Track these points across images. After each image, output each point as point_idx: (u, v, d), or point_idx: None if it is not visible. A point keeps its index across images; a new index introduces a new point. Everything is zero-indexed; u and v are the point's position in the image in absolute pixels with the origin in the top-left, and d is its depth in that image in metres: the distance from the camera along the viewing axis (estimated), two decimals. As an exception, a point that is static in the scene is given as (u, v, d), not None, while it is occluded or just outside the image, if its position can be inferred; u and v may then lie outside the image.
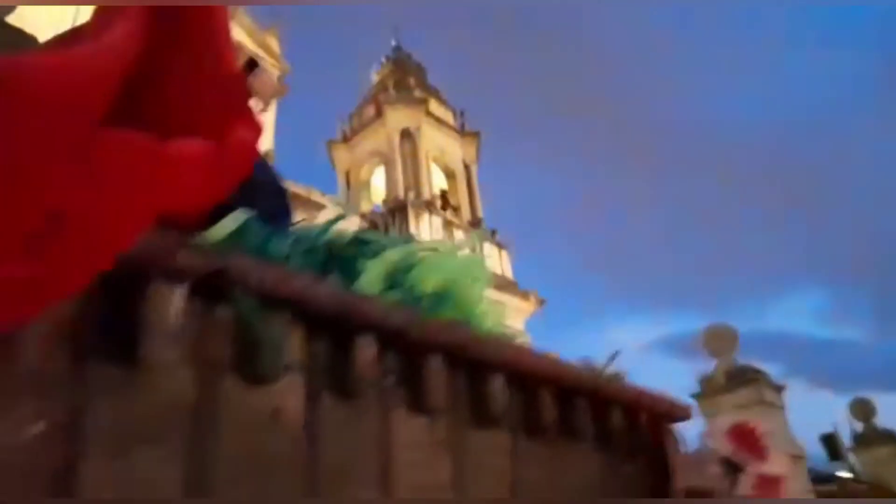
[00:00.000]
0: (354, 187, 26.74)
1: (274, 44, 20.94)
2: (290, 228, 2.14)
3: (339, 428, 1.65)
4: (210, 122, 1.57)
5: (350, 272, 1.82)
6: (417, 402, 1.86)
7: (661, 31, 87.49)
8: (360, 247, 1.98)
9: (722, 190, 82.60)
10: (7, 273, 1.00)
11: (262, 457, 1.45)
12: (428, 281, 1.97)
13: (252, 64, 2.54)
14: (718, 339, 9.64)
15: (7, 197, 0.97)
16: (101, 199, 1.09)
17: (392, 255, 1.96)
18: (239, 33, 19.65)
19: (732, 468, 2.39)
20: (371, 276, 1.85)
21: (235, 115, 1.72)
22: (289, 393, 1.56)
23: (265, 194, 2.54)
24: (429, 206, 23.08)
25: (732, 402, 8.33)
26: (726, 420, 2.45)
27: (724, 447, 2.36)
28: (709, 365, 8.85)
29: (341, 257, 1.87)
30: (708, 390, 8.92)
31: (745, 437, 2.48)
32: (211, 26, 1.80)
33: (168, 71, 1.69)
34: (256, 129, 1.87)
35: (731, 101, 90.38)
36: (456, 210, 25.21)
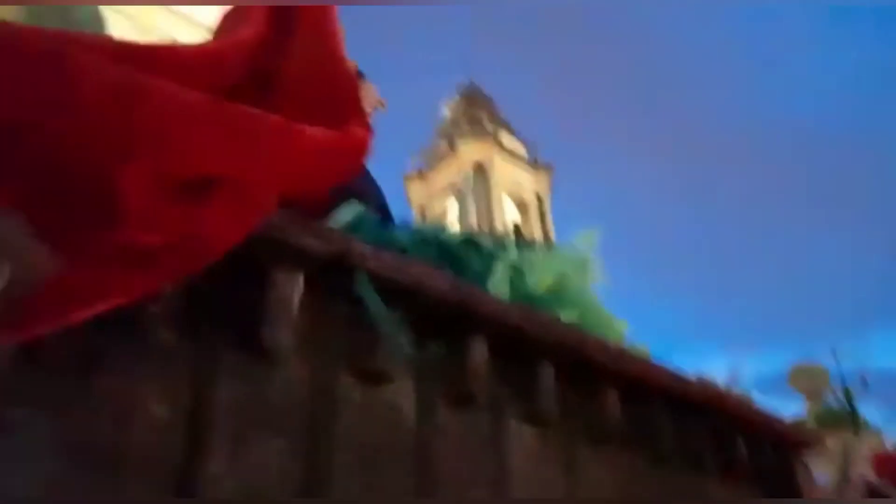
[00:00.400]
0: (428, 221, 27.08)
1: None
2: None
3: (452, 431, 1.56)
4: (329, 115, 1.61)
5: (462, 271, 1.76)
6: (530, 413, 1.75)
7: (734, 39, 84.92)
8: (471, 248, 1.92)
9: (813, 215, 78.27)
10: (150, 239, 1.01)
11: (377, 452, 1.38)
12: (543, 280, 1.88)
13: (358, 73, 2.56)
14: (808, 378, 8.91)
15: (157, 162, 1.00)
16: (241, 164, 1.11)
17: (511, 256, 1.90)
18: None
19: (875, 494, 2.16)
20: (497, 276, 1.79)
21: (350, 111, 1.76)
22: (403, 391, 1.49)
23: (370, 206, 2.57)
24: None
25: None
26: (866, 449, 2.19)
27: (869, 474, 2.12)
28: (798, 405, 8.21)
29: (453, 256, 1.83)
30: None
31: (888, 465, 2.23)
32: (325, 28, 1.88)
33: (290, 68, 1.78)
34: (369, 129, 1.90)
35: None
36: (529, 242, 24.99)
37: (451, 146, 26.82)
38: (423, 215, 27.55)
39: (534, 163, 28.01)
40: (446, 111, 30.67)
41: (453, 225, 25.93)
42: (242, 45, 1.59)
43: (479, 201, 24.71)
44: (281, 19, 1.80)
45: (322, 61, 1.78)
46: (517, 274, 1.84)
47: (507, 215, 25.38)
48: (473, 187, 25.03)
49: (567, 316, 1.88)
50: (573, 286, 1.96)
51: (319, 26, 1.83)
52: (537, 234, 25.49)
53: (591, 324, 1.96)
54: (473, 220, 23.93)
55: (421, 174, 28.08)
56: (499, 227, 23.60)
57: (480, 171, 25.59)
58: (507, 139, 27.93)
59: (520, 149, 28.42)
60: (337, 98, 1.74)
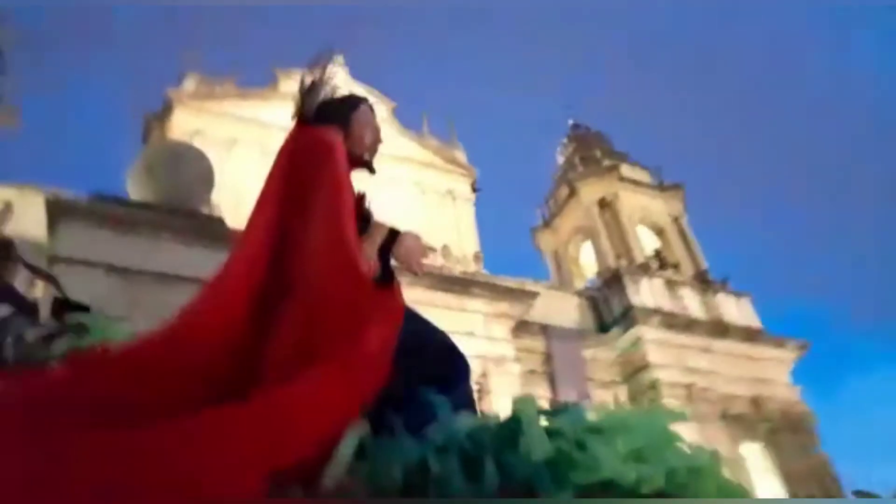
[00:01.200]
0: (564, 268, 26.74)
1: (460, 155, 22.71)
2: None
3: None
4: (338, 332, 1.72)
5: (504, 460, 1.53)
6: None
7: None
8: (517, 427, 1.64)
9: None
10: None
11: None
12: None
13: (393, 233, 2.48)
14: None
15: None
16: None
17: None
18: (427, 154, 21.74)
19: None
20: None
21: (362, 319, 1.80)
22: None
23: (431, 359, 2.53)
24: (644, 269, 22.04)
25: None
26: None
27: None
28: None
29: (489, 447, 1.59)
30: None
31: None
32: (337, 229, 1.97)
33: (307, 270, 1.92)
34: (390, 324, 1.93)
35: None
36: (676, 267, 23.66)
37: (572, 190, 26.61)
38: (559, 263, 27.30)
39: (661, 185, 26.90)
40: (559, 157, 30.67)
41: (591, 266, 25.31)
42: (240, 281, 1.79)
43: (612, 237, 24.04)
44: (294, 209, 1.96)
45: (336, 265, 1.87)
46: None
47: (646, 244, 24.35)
48: (603, 224, 24.45)
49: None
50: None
51: (332, 221, 1.93)
52: (681, 255, 24.13)
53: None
54: (610, 257, 23.24)
55: (547, 223, 28.03)
56: (638, 258, 22.70)
57: (607, 207, 25.03)
58: (628, 169, 27.19)
59: (643, 176, 27.50)
60: (348, 306, 1.80)
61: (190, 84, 19.91)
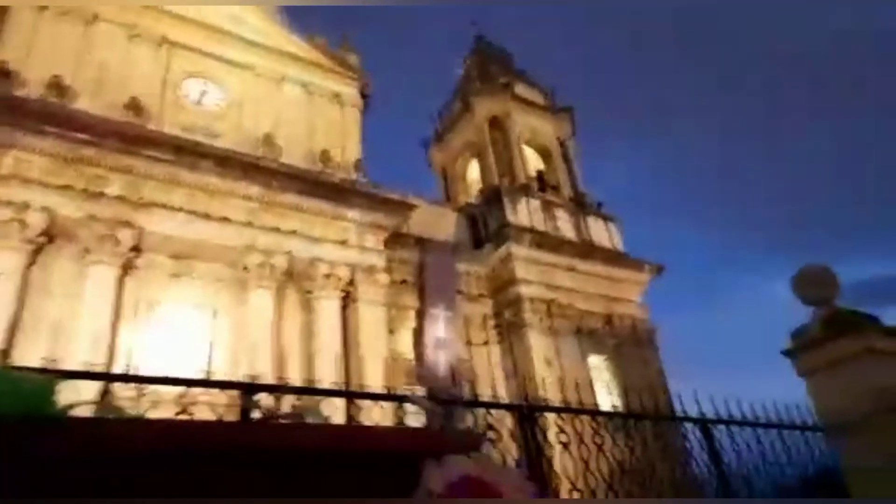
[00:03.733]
0: (451, 184, 27.09)
1: (352, 59, 21.81)
2: None
3: None
4: None
5: None
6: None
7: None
8: None
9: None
10: None
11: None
12: None
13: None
14: (815, 285, 8.35)
15: None
16: None
17: None
18: (315, 54, 20.72)
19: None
20: None
21: None
22: None
23: None
24: (525, 189, 22.77)
25: (831, 355, 7.10)
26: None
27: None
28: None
29: None
30: (803, 344, 7.87)
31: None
32: None
33: None
34: None
35: None
36: (556, 189, 24.63)
37: (466, 105, 26.52)
38: (447, 179, 27.58)
39: (552, 108, 27.37)
40: (459, 70, 30.25)
41: (477, 184, 25.80)
42: None
43: (498, 156, 24.46)
44: None
45: None
46: None
47: (531, 165, 25.02)
48: (492, 142, 24.76)
49: None
50: None
51: None
52: (562, 178, 25.08)
53: None
54: (495, 175, 23.74)
55: (439, 138, 27.99)
56: (521, 178, 23.35)
57: (497, 125, 25.25)
58: (523, 88, 27.36)
59: (537, 97, 27.80)
60: None
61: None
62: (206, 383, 3.76)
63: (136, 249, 14.09)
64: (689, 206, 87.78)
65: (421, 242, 19.09)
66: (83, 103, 15.25)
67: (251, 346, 14.10)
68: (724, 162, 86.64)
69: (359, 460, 1.59)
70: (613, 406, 18.90)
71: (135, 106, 15.84)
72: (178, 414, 3.44)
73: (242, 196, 15.73)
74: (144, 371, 9.47)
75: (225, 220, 15.32)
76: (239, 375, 10.68)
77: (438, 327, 17.13)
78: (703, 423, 5.76)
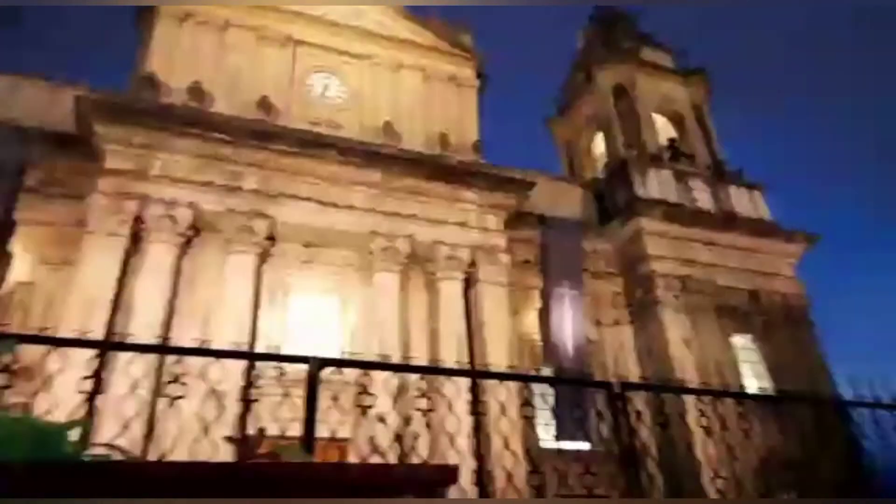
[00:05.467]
0: (576, 159, 26.06)
1: (467, 39, 21.57)
2: None
3: None
4: None
5: None
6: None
7: None
8: None
9: None
10: None
11: None
12: None
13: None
14: None
15: None
16: None
17: None
18: (430, 38, 20.71)
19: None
20: None
21: None
22: None
23: None
24: (654, 160, 21.30)
25: None
26: None
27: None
28: None
29: None
30: None
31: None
32: None
33: None
34: None
35: None
36: (690, 158, 22.80)
37: (588, 75, 25.30)
38: (570, 154, 26.57)
39: (684, 70, 25.34)
40: (579, 41, 28.93)
41: (603, 158, 24.57)
42: None
43: (624, 126, 23.08)
44: None
45: None
46: None
47: (662, 134, 23.37)
48: (617, 112, 23.40)
49: None
50: None
51: None
52: (697, 145, 23.17)
53: None
54: (621, 146, 22.45)
55: (562, 112, 27.02)
56: (650, 148, 21.88)
57: (623, 94, 23.83)
58: (649, 52, 25.60)
59: (666, 59, 25.90)
60: None
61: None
62: (271, 357, 3.68)
63: (271, 238, 14.95)
64: (845, 174, 78.08)
65: (544, 221, 18.51)
66: (219, 105, 16.39)
67: (378, 328, 14.46)
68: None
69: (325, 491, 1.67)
70: (760, 390, 17.24)
71: (265, 104, 16.79)
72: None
73: (365, 183, 16.13)
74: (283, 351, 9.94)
75: (350, 207, 15.81)
76: (367, 356, 10.92)
77: (564, 307, 16.51)
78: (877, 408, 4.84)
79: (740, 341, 18.21)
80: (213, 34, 17.99)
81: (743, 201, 21.39)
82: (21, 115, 14.12)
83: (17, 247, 13.23)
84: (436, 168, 17.01)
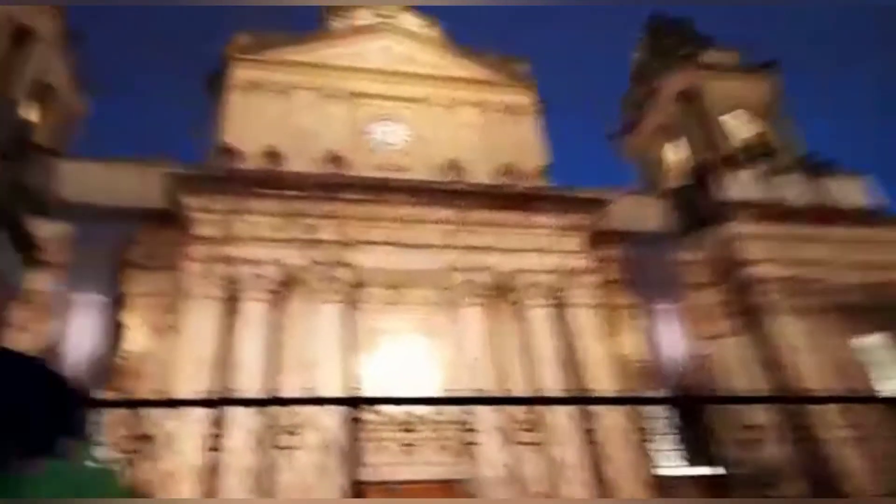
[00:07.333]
0: (649, 171, 25.24)
1: (521, 67, 21.61)
2: None
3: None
4: None
5: None
6: None
7: None
8: None
9: None
10: None
11: None
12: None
13: None
14: None
15: None
16: None
17: None
18: (485, 72, 20.88)
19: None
20: None
21: None
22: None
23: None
24: (732, 161, 20.26)
25: None
26: None
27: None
28: None
29: None
30: None
31: None
32: None
33: None
34: None
35: None
36: (771, 154, 21.55)
37: (649, 87, 24.69)
38: (643, 168, 25.77)
39: (752, 67, 24.27)
40: (634, 55, 28.40)
41: (678, 165, 23.65)
42: None
43: (697, 132, 22.20)
44: None
45: None
46: None
47: (736, 134, 22.30)
48: (684, 119, 22.60)
49: None
50: None
51: None
52: (777, 140, 21.92)
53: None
54: (696, 154, 21.55)
55: (626, 127, 26.39)
56: (727, 150, 20.88)
57: (689, 99, 23.04)
58: (712, 54, 24.72)
59: (731, 59, 24.92)
60: None
61: (243, 39, 20.19)
62: (316, 401, 3.56)
63: (357, 285, 15.14)
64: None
65: (627, 237, 17.83)
66: (291, 164, 17.00)
67: (470, 363, 14.19)
68: None
69: None
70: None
71: (332, 157, 17.29)
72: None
73: (437, 220, 16.14)
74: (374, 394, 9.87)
75: (426, 246, 15.82)
76: (461, 392, 10.66)
77: (666, 323, 15.66)
78: None
79: (865, 341, 16.60)
80: (280, 99, 18.86)
81: (842, 191, 19.89)
82: (117, 197, 15.17)
83: (128, 318, 14.06)
84: (503, 197, 16.83)
